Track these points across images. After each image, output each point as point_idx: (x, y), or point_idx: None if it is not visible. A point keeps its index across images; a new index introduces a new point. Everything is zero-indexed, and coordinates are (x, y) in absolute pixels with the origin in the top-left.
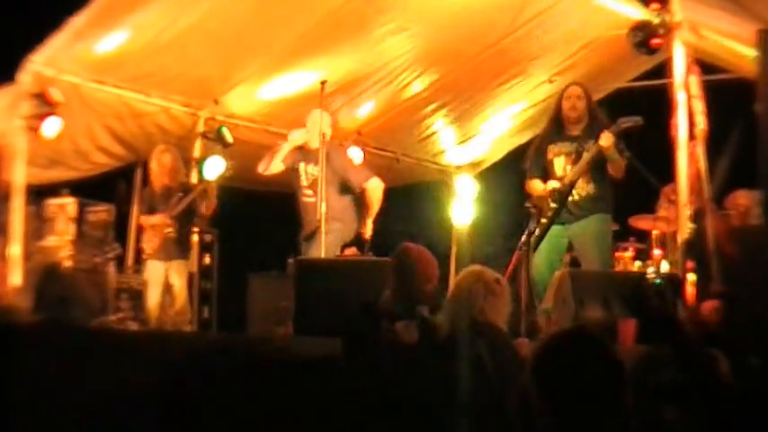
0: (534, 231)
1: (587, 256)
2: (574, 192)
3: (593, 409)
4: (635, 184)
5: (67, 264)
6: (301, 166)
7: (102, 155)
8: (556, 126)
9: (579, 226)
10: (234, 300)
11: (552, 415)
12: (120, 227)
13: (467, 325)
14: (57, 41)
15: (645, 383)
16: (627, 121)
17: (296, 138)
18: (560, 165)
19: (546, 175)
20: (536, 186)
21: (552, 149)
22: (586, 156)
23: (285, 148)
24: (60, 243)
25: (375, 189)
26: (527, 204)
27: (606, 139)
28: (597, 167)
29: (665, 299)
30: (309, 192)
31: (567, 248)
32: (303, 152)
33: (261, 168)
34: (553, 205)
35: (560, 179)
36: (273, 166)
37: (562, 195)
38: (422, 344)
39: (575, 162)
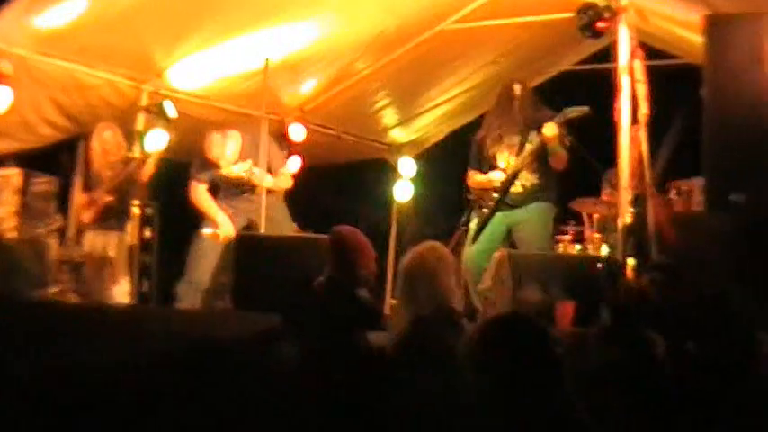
0: (472, 220)
1: (526, 243)
2: (517, 182)
3: (531, 393)
4: (578, 169)
5: (11, 235)
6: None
7: (47, 127)
8: (499, 117)
9: (519, 213)
10: (174, 273)
11: (491, 400)
12: (62, 199)
13: (434, 311)
14: (6, 14)
15: (578, 366)
16: (573, 111)
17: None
18: (503, 156)
19: (488, 166)
20: (478, 178)
21: (495, 141)
22: (529, 147)
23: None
24: (4, 214)
25: (285, 177)
26: (468, 196)
27: (549, 130)
28: (540, 158)
29: (605, 282)
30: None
31: (506, 236)
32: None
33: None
34: (495, 196)
35: (503, 171)
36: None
37: (505, 186)
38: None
39: (518, 153)
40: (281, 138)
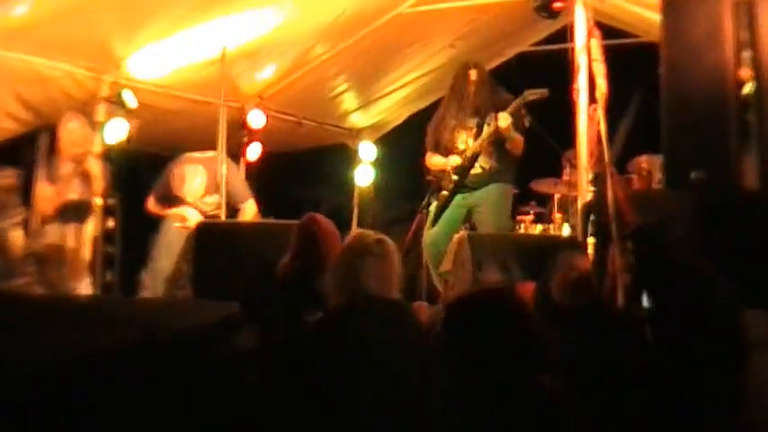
0: (432, 203)
1: (485, 225)
2: (476, 164)
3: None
4: (539, 149)
5: None
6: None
7: (9, 120)
8: (456, 101)
9: (478, 195)
10: (137, 264)
11: (463, 380)
12: (25, 192)
13: (347, 297)
14: None
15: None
16: (533, 93)
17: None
18: (462, 139)
19: (446, 149)
20: (436, 161)
21: (453, 124)
22: (486, 131)
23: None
24: None
25: (250, 212)
26: (428, 177)
27: (503, 120)
28: (498, 141)
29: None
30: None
31: (465, 218)
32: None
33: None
34: (454, 178)
35: (461, 153)
36: None
37: (464, 170)
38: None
39: (476, 136)
40: (240, 129)
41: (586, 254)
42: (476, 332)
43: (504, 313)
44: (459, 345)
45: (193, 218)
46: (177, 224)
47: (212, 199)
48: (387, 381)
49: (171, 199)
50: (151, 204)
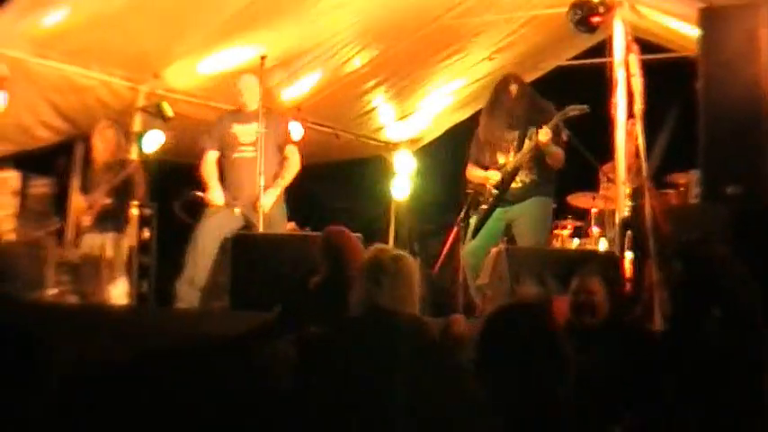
0: (471, 216)
1: (524, 238)
2: (516, 178)
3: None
4: (576, 163)
5: (9, 237)
6: (236, 127)
7: (44, 129)
8: (496, 115)
9: (518, 208)
10: (172, 274)
11: (495, 391)
12: (59, 201)
13: (362, 311)
14: (1, 17)
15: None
16: (574, 109)
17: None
18: (502, 153)
19: (487, 163)
20: (477, 174)
21: (493, 138)
22: (526, 146)
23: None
24: (2, 217)
25: (294, 159)
26: (467, 190)
27: (543, 135)
28: (538, 155)
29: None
30: (250, 148)
31: (505, 231)
32: (235, 115)
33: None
34: (495, 192)
35: (502, 167)
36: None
37: (504, 184)
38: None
39: (516, 150)
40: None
41: (599, 277)
42: (507, 346)
43: (535, 328)
44: (490, 359)
45: (215, 195)
46: (198, 193)
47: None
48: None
49: (213, 131)
50: (204, 160)
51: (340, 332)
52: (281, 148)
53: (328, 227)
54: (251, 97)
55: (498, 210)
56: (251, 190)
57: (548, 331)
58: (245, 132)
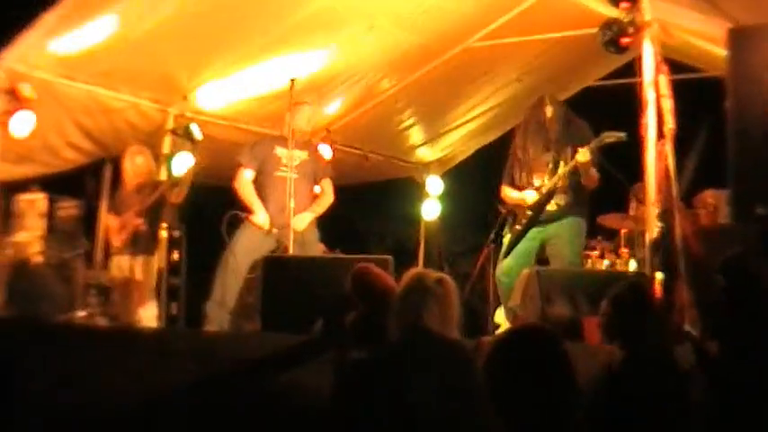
0: (504, 236)
1: (559, 259)
2: (552, 201)
3: (539, 408)
4: (606, 184)
5: (37, 259)
6: (279, 150)
7: (71, 151)
8: (532, 137)
9: (553, 229)
10: (202, 296)
11: (502, 413)
12: (88, 223)
13: (405, 335)
14: (28, 38)
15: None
16: (610, 136)
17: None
18: (538, 174)
19: (523, 182)
20: (512, 194)
21: (530, 158)
22: (563, 169)
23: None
24: (30, 239)
25: (329, 191)
26: (501, 210)
27: (583, 155)
28: (574, 176)
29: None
30: (292, 170)
31: (539, 251)
32: (279, 140)
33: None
34: (529, 213)
35: (538, 189)
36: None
37: (540, 205)
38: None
39: (552, 172)
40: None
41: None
42: (515, 370)
43: (543, 352)
44: (499, 382)
45: (260, 217)
46: (241, 213)
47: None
48: (444, 419)
49: (255, 150)
50: (240, 179)
51: (387, 356)
52: (317, 178)
53: (355, 267)
54: (305, 125)
55: (532, 230)
56: (287, 218)
57: (560, 355)
58: (289, 156)
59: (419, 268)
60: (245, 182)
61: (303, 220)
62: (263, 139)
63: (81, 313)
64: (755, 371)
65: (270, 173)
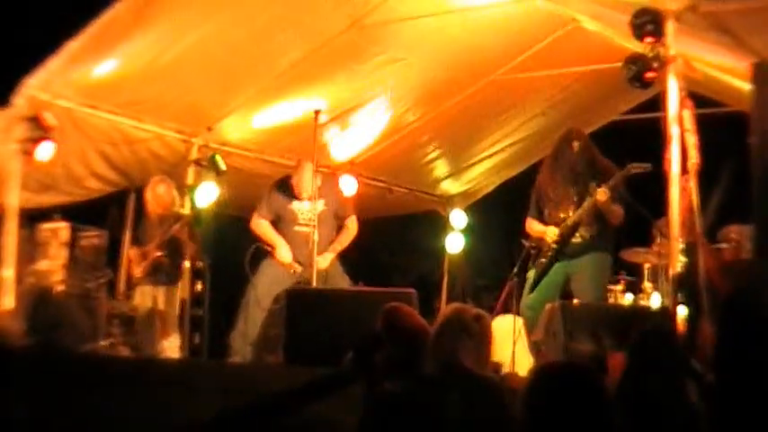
0: (529, 270)
1: (583, 293)
2: (576, 234)
3: None
4: (629, 219)
5: (59, 288)
6: (294, 204)
7: (94, 180)
8: (558, 170)
9: (577, 263)
10: (225, 327)
11: None
12: (111, 252)
13: (443, 370)
14: (52, 66)
15: None
16: (636, 167)
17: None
18: (563, 208)
19: (547, 216)
20: (536, 228)
21: (555, 192)
22: (586, 203)
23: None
24: (52, 267)
25: (353, 227)
26: (526, 243)
27: (601, 195)
28: (598, 211)
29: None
30: (309, 224)
31: (563, 286)
32: (290, 193)
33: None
34: (554, 246)
35: (561, 222)
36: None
37: (564, 239)
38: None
39: (577, 206)
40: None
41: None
42: (550, 407)
43: (581, 389)
44: (533, 419)
45: (284, 254)
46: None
47: (318, 205)
48: None
49: (271, 203)
50: (257, 225)
51: (419, 389)
52: (338, 217)
53: (385, 306)
54: (307, 186)
55: (557, 264)
56: (309, 258)
57: (593, 393)
58: (304, 210)
59: (458, 303)
60: (261, 223)
61: (326, 259)
62: (274, 192)
63: (103, 343)
64: (757, 406)
65: (288, 227)
